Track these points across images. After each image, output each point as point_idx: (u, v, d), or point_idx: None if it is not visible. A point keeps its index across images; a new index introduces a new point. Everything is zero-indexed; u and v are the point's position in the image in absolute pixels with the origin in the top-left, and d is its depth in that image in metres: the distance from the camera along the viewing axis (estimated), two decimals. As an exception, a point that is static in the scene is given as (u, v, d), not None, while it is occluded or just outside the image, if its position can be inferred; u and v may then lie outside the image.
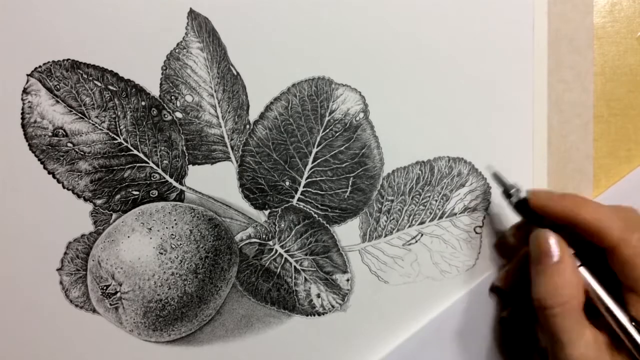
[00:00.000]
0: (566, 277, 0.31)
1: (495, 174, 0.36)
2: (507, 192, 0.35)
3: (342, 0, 0.37)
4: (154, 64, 0.36)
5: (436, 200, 0.38)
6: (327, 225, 0.38)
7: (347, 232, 0.38)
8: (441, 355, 0.38)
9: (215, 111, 0.37)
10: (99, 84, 0.36)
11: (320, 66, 0.37)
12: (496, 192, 0.39)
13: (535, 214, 0.33)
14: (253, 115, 0.37)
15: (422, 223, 0.38)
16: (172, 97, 0.36)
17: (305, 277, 0.38)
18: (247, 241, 0.37)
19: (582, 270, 0.31)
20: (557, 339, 0.30)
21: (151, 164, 0.37)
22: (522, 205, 0.34)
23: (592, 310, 0.31)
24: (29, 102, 0.35)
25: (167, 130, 0.36)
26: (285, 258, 0.38)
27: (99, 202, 0.36)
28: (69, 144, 0.36)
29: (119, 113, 0.36)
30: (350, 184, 0.37)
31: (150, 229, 0.35)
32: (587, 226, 0.31)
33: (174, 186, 0.37)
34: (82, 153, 0.36)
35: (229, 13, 0.36)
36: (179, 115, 0.37)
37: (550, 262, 0.31)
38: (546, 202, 0.33)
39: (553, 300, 0.30)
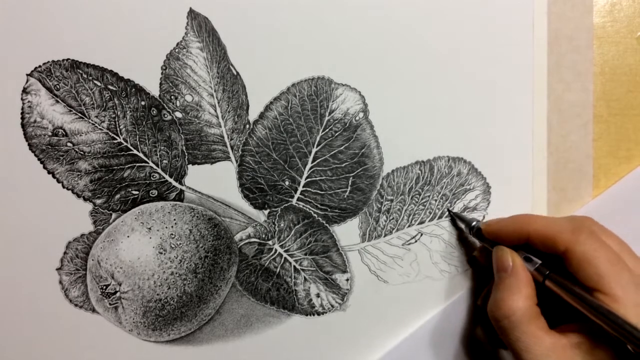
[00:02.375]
0: (512, 289, 0.32)
1: (455, 214, 0.38)
2: (469, 226, 0.37)
3: (342, 0, 0.37)
4: (153, 63, 0.36)
5: (436, 200, 0.38)
6: (327, 225, 0.38)
7: (347, 232, 0.38)
8: (440, 354, 0.38)
9: (215, 111, 0.37)
10: (98, 84, 0.36)
11: (320, 66, 0.37)
12: (496, 192, 0.39)
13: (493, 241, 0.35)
14: (253, 115, 0.37)
15: (421, 223, 0.38)
16: (172, 97, 0.36)
17: (304, 277, 0.38)
18: (246, 241, 0.37)
19: (553, 277, 0.32)
20: (512, 348, 0.31)
21: (151, 164, 0.37)
22: (482, 235, 0.36)
23: (555, 318, 0.32)
24: (28, 101, 0.35)
25: (166, 130, 0.37)
26: (285, 258, 0.38)
27: (98, 201, 0.36)
28: (69, 144, 0.36)
29: (119, 113, 0.36)
30: (349, 183, 0.37)
31: (149, 228, 0.35)
32: (539, 236, 0.32)
33: (174, 186, 0.37)
34: (81, 153, 0.36)
35: (229, 13, 0.36)
36: (178, 115, 0.37)
37: (505, 276, 0.33)
38: (498, 227, 0.35)
39: (498, 313, 0.32)
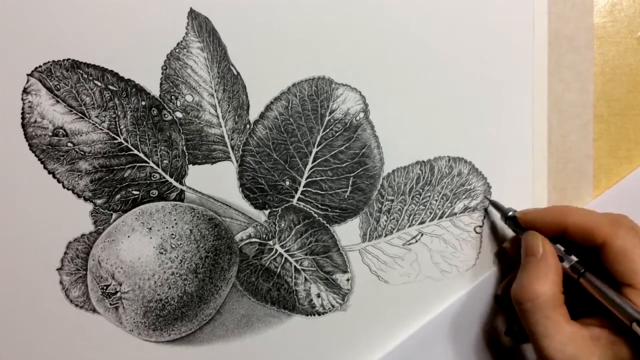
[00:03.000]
0: (539, 274, 0.32)
1: (493, 202, 0.38)
2: (505, 216, 0.37)
3: (342, 0, 0.37)
4: (154, 63, 0.36)
5: (436, 200, 0.38)
6: (327, 225, 0.38)
7: (347, 232, 0.38)
8: (441, 354, 0.38)
9: (216, 111, 0.37)
10: (99, 84, 0.36)
11: (321, 66, 0.37)
12: (496, 192, 0.39)
13: (528, 230, 0.35)
14: (253, 115, 0.37)
15: (422, 223, 0.38)
16: (173, 97, 0.36)
17: (305, 277, 0.38)
18: (247, 241, 0.37)
19: (588, 276, 0.32)
20: (531, 332, 0.31)
21: (151, 164, 0.37)
22: (517, 224, 0.36)
23: (582, 310, 0.32)
24: (29, 102, 0.35)
25: (167, 130, 0.36)
26: (286, 258, 0.38)
27: (99, 201, 0.36)
28: (69, 144, 0.36)
29: (119, 113, 0.36)
30: (350, 183, 0.37)
31: (150, 228, 0.35)
32: (576, 227, 0.32)
33: (174, 186, 0.37)
34: (82, 153, 0.36)
35: (229, 13, 0.36)
36: (179, 115, 0.37)
37: (534, 260, 0.33)
38: (534, 216, 0.35)
39: (523, 296, 0.32)
